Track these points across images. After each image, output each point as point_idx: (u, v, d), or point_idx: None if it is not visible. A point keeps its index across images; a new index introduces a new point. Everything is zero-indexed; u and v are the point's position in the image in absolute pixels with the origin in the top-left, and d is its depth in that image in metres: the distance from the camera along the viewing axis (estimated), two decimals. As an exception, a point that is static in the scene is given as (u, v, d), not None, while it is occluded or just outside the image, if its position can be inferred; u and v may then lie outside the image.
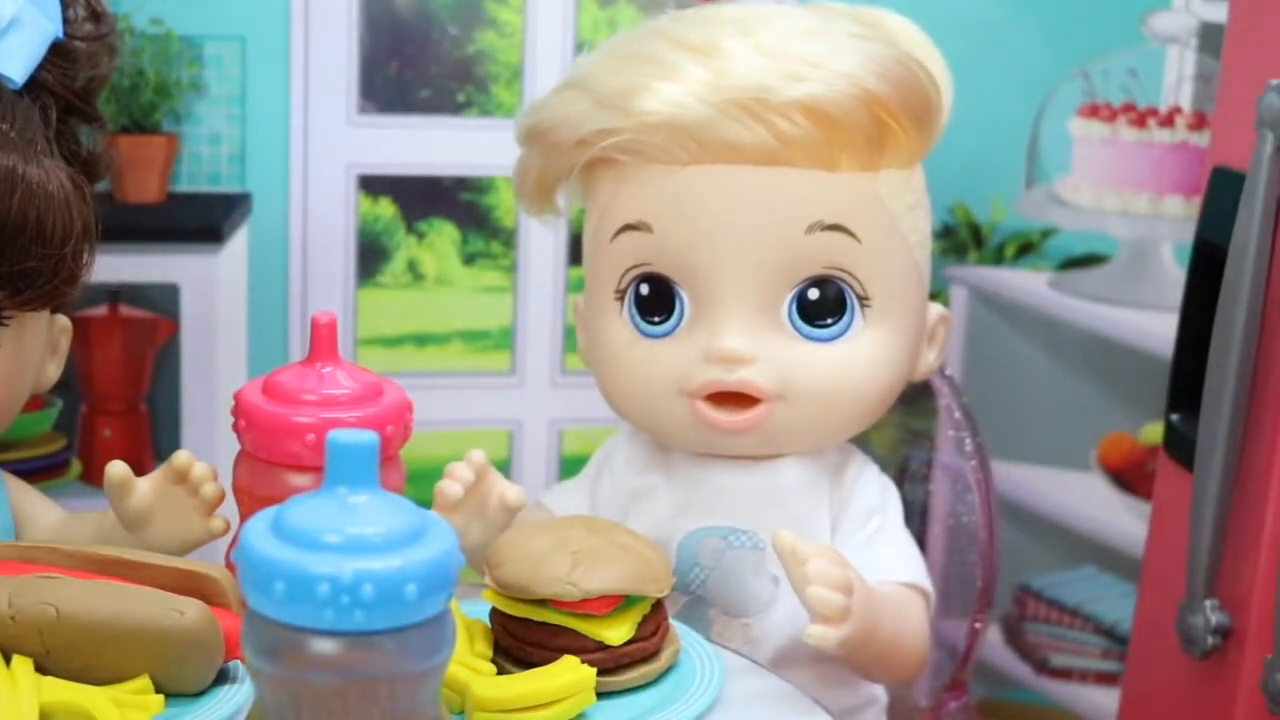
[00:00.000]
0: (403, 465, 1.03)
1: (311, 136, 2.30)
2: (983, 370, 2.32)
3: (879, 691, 1.23)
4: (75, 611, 0.86)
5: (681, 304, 1.14)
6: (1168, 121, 2.13)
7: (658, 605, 1.00)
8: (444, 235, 2.38)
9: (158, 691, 0.87)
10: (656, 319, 1.15)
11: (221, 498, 1.05)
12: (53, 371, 1.13)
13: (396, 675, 0.56)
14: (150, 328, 2.19)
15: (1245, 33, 1.38)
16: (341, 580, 0.54)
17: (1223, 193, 1.34)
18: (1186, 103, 2.29)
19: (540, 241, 2.38)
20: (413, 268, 2.38)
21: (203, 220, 2.10)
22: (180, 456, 1.03)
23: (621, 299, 1.16)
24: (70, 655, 0.86)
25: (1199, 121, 2.12)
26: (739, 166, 1.09)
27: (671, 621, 1.03)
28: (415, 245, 2.37)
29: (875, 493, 1.19)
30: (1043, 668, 2.20)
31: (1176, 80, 2.34)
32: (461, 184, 2.38)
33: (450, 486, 1.06)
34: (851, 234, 1.11)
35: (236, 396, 1.00)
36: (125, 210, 2.09)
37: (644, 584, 0.98)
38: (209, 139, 2.27)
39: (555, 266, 2.41)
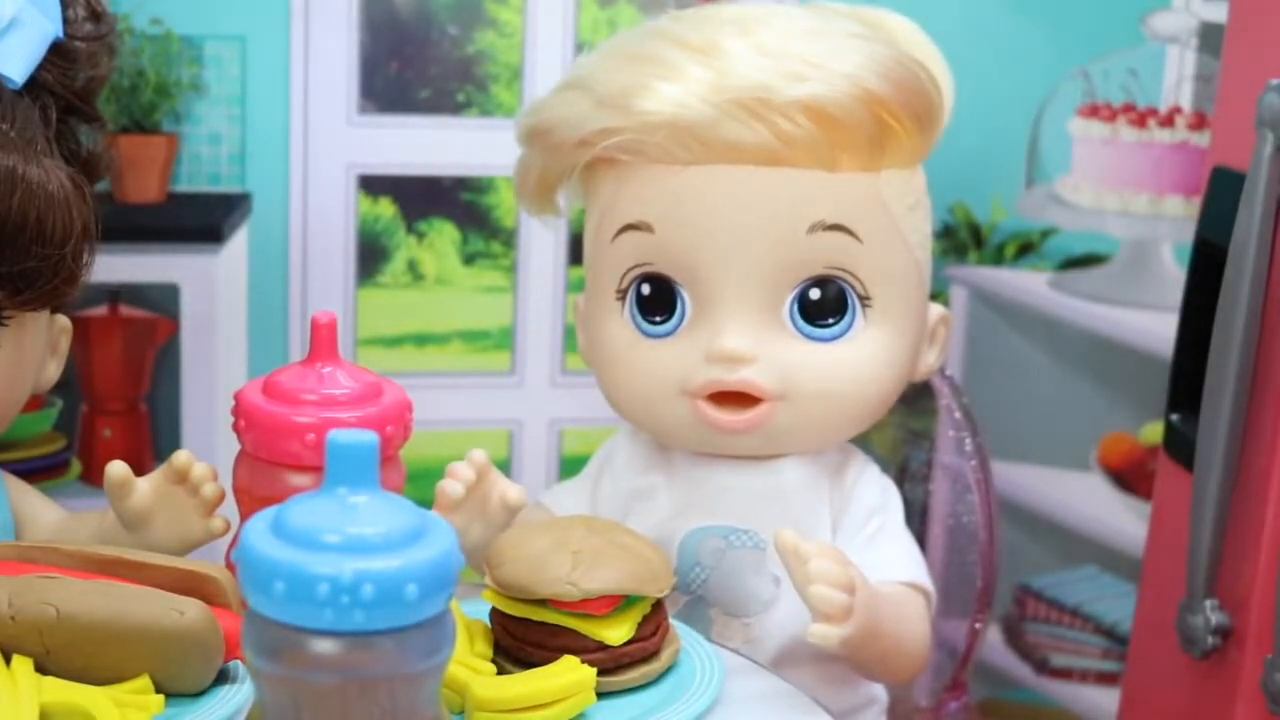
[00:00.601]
0: (403, 465, 1.03)
1: (311, 136, 2.30)
2: (983, 370, 2.32)
3: (879, 692, 1.23)
4: (75, 611, 0.86)
5: (683, 304, 1.14)
6: (1168, 121, 2.13)
7: (658, 605, 1.00)
8: (444, 235, 2.38)
9: (158, 691, 0.87)
10: (658, 319, 1.15)
11: (221, 498, 1.05)
12: (53, 371, 1.13)
13: (396, 675, 0.56)
14: (150, 328, 2.19)
15: (1245, 33, 1.38)
16: (341, 580, 0.54)
17: (1223, 193, 1.34)
18: (1186, 103, 2.29)
19: (540, 241, 2.38)
20: (413, 268, 2.38)
21: (203, 220, 2.10)
22: (180, 456, 1.03)
23: (623, 299, 1.16)
24: (70, 655, 0.86)
25: (1199, 121, 2.12)
26: (740, 166, 1.09)
27: (671, 621, 1.03)
28: (415, 245, 2.37)
29: (876, 493, 1.19)
30: (1043, 668, 2.20)
31: (1176, 80, 2.34)
32: (461, 184, 2.37)
33: (452, 486, 1.06)
34: (853, 234, 1.11)
35: (236, 396, 1.00)
36: (125, 210, 2.09)
37: (644, 584, 0.98)
38: (209, 139, 2.27)
39: (555, 266, 2.41)
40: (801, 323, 1.13)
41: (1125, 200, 2.14)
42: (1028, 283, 2.30)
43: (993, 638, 2.25)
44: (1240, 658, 1.30)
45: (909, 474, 1.47)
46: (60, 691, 0.84)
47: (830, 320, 1.13)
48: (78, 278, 1.04)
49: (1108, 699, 2.05)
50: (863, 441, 1.24)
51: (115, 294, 2.17)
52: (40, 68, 1.05)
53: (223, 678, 0.90)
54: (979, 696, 2.26)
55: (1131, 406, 2.28)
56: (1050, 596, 2.24)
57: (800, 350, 1.13)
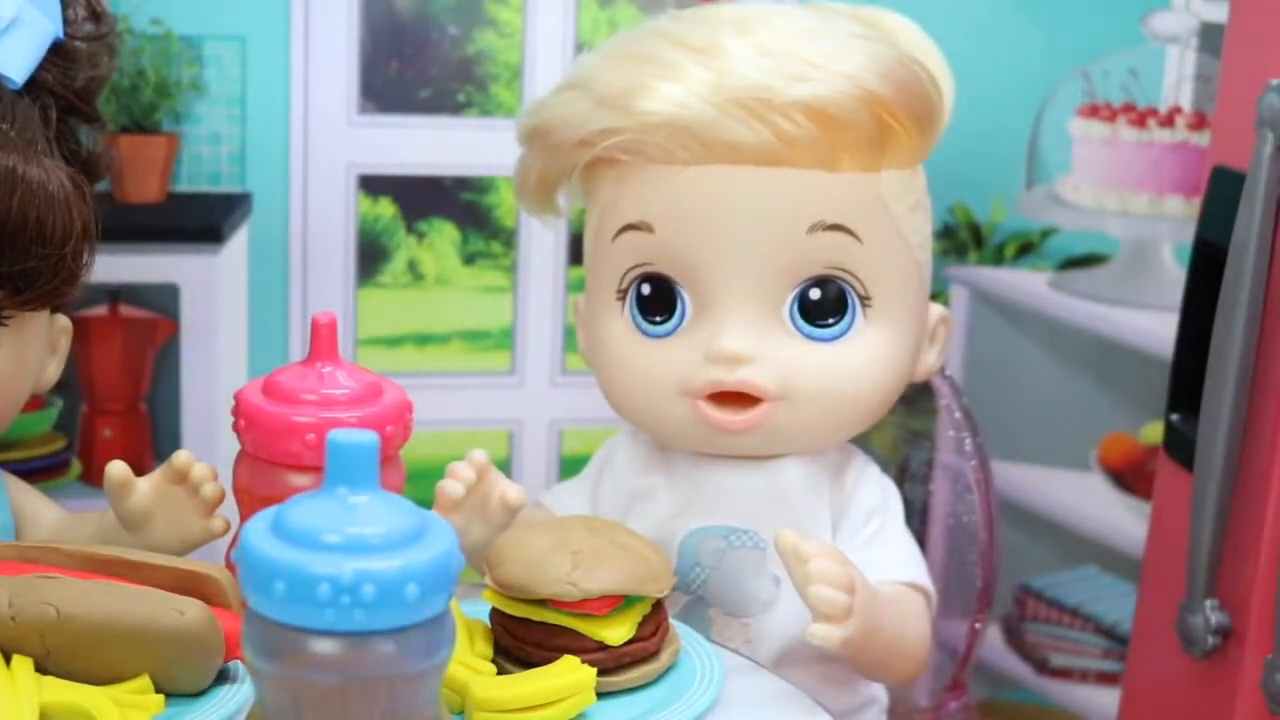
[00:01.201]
0: (403, 465, 1.03)
1: (311, 136, 2.30)
2: (983, 370, 2.32)
3: (879, 692, 1.23)
4: (75, 611, 0.86)
5: (683, 304, 1.14)
6: (1168, 121, 2.13)
7: (658, 605, 1.00)
8: (444, 235, 2.38)
9: (158, 691, 0.87)
10: (658, 319, 1.15)
11: (221, 498, 1.05)
12: (53, 371, 1.12)
13: (396, 675, 0.56)
14: (150, 328, 2.19)
15: (1245, 33, 1.38)
16: (342, 580, 0.54)
17: (1223, 193, 1.34)
18: (1186, 103, 2.29)
19: (540, 241, 2.38)
20: (413, 268, 2.38)
21: (203, 220, 2.10)
22: (180, 456, 1.03)
23: (623, 299, 1.16)
24: (70, 655, 0.86)
25: (1199, 121, 2.12)
26: (740, 167, 1.09)
27: (671, 621, 1.03)
28: (415, 245, 2.37)
29: (876, 493, 1.19)
30: (1043, 668, 2.20)
31: (1176, 80, 2.34)
32: (461, 184, 2.37)
33: (452, 486, 1.06)
34: (853, 234, 1.11)
35: (236, 396, 1.00)
36: (125, 210, 2.09)
37: (644, 584, 0.98)
38: (209, 139, 2.27)
39: (555, 266, 2.40)
40: (801, 323, 1.13)
41: (1125, 200, 2.14)
42: (1028, 283, 2.30)
43: (993, 638, 2.25)
44: (1240, 658, 1.30)
45: (909, 474, 1.47)
46: (60, 691, 0.84)
47: (830, 320, 1.13)
48: (78, 278, 1.04)
49: (1108, 699, 2.05)
50: (863, 441, 1.24)
51: (115, 294, 2.17)
52: (40, 68, 1.05)
53: (223, 678, 0.90)
54: (979, 696, 2.26)
55: (1131, 406, 2.28)
56: (1050, 596, 2.24)
57: (800, 350, 1.13)
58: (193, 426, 2.10)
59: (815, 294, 1.12)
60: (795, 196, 1.10)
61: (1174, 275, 2.11)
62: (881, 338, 1.14)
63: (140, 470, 1.05)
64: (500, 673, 0.96)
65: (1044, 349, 2.37)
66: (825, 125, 1.07)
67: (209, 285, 2.08)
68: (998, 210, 2.39)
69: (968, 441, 1.41)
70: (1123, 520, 2.11)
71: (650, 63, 1.10)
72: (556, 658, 0.95)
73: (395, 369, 2.33)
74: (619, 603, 0.97)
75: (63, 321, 1.12)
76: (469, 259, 2.39)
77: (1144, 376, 2.13)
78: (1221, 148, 1.39)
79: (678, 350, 1.14)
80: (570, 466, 2.42)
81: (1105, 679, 2.15)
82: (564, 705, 0.92)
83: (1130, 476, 2.17)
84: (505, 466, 2.44)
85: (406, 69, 2.33)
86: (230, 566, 0.97)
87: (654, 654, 0.99)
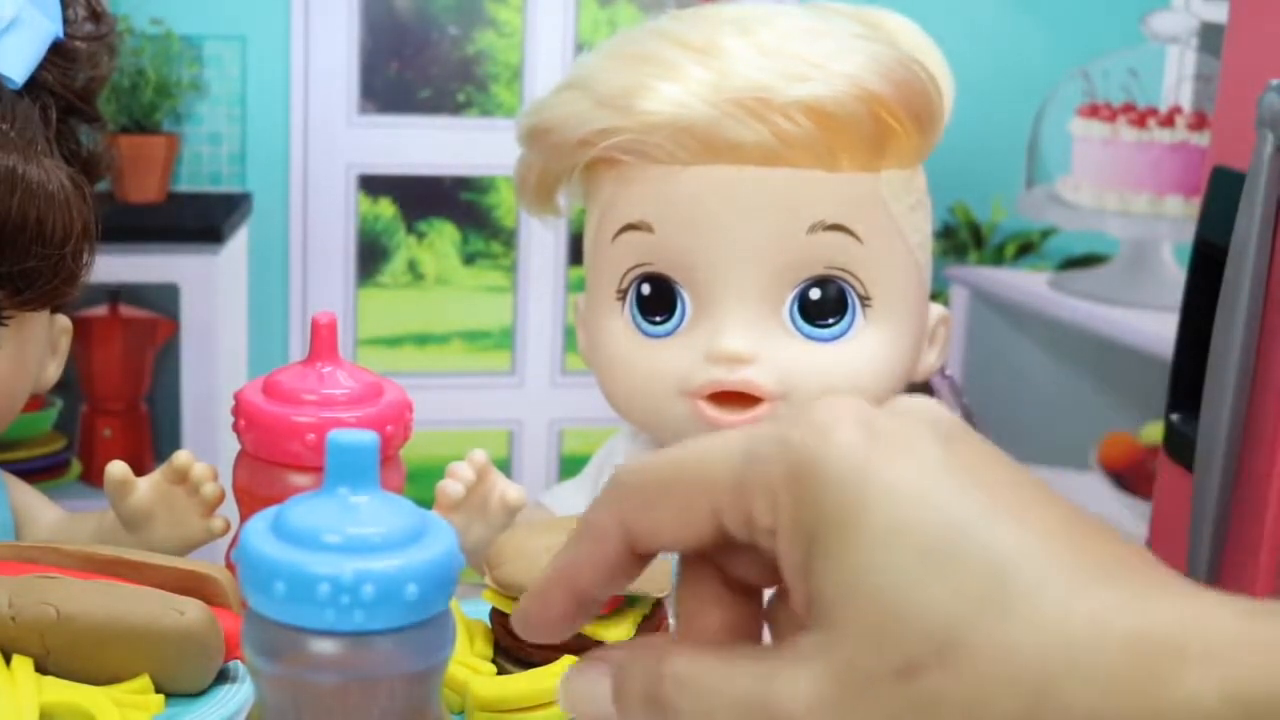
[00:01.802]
0: (403, 465, 1.03)
1: (311, 136, 2.30)
2: (983, 370, 2.32)
3: (879, 691, 1.23)
4: (75, 611, 0.86)
5: (683, 304, 1.14)
6: (1168, 121, 2.13)
7: (658, 605, 1.00)
8: (444, 235, 2.38)
9: (158, 691, 0.87)
10: (658, 319, 1.15)
11: (221, 498, 1.05)
12: (53, 371, 1.12)
13: (396, 675, 0.56)
14: (150, 328, 2.19)
15: (1245, 33, 1.38)
16: (342, 580, 0.54)
17: (1223, 193, 1.34)
18: (1186, 103, 2.29)
19: (540, 241, 2.38)
20: (413, 268, 2.38)
21: (203, 220, 2.11)
22: (180, 456, 1.03)
23: (623, 299, 1.16)
24: (70, 655, 0.86)
25: (1199, 121, 2.12)
26: (740, 167, 1.09)
27: (672, 622, 1.03)
28: (415, 245, 2.37)
29: (875, 493, 1.18)
30: (1043, 668, 2.20)
31: (1176, 80, 2.34)
32: (461, 184, 2.38)
33: (452, 486, 1.06)
34: (853, 234, 1.11)
35: (236, 396, 1.00)
36: (125, 210, 2.09)
37: (644, 584, 0.98)
38: (209, 139, 2.27)
39: (555, 266, 2.41)
40: (801, 323, 1.13)
41: (1125, 200, 2.14)
42: (1028, 283, 2.30)
43: (993, 638, 2.25)
44: (1240, 658, 1.30)
45: (909, 474, 1.47)
46: (60, 691, 0.84)
47: (830, 320, 1.13)
48: (78, 278, 1.04)
49: (1108, 699, 2.05)
50: (863, 441, 1.24)
51: (115, 294, 2.17)
52: (40, 68, 1.05)
53: (223, 678, 0.90)
54: (979, 696, 2.26)
55: (1131, 406, 2.28)
56: (1050, 596, 2.24)
57: (800, 350, 1.13)
58: (193, 426, 2.10)
59: (815, 294, 1.12)
60: (795, 196, 1.10)
61: (1174, 275, 2.11)
62: (881, 338, 1.14)
63: (140, 470, 1.05)
64: (500, 673, 0.96)
65: (1044, 349, 2.37)
66: (825, 125, 1.07)
67: (209, 285, 2.08)
68: (998, 210, 2.39)
69: (968, 441, 1.41)
70: (1123, 520, 2.11)
71: (650, 63, 1.10)
72: (556, 658, 0.95)
73: (395, 369, 2.33)
74: (619, 603, 0.97)
75: (63, 321, 1.12)
76: (469, 259, 2.39)
77: (1144, 376, 2.13)
78: (1221, 148, 1.39)
79: (678, 350, 1.14)
80: (570, 466, 2.42)
81: (1105, 679, 2.15)
82: (564, 705, 0.92)
83: (1130, 476, 2.18)
84: (505, 466, 2.44)
85: (406, 69, 2.33)
86: (230, 566, 0.97)
87: (654, 654, 0.99)
